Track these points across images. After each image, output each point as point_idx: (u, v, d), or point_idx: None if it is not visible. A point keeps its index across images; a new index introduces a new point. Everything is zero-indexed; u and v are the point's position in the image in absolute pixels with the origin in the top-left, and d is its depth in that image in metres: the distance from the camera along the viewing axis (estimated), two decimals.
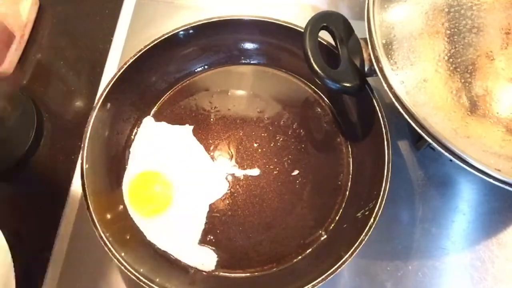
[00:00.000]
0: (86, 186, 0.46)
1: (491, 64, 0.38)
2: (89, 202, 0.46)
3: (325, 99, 0.56)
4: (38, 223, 0.53)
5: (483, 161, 0.36)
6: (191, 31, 0.53)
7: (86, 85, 0.61)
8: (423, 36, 0.40)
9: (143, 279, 0.43)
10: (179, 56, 0.56)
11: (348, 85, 0.44)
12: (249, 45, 0.57)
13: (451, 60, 0.38)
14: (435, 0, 0.40)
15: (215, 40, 0.56)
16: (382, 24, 0.41)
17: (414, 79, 0.39)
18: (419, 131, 0.38)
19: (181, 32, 0.53)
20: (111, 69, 0.60)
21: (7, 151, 0.55)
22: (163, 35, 0.52)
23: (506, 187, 0.36)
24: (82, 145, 0.48)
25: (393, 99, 0.39)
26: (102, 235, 0.44)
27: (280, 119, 0.55)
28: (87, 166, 0.47)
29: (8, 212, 0.54)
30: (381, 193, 0.44)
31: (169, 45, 0.53)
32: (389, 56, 0.40)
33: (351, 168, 0.52)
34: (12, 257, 0.50)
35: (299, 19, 0.51)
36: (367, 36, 0.42)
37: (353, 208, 0.49)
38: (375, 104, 0.47)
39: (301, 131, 0.54)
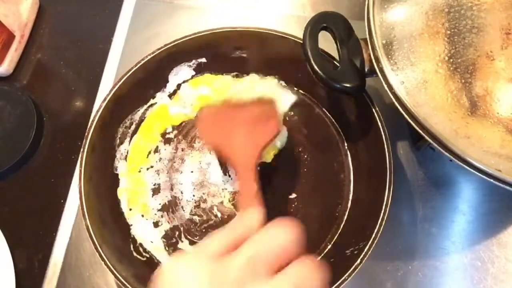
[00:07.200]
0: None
1: (491, 64, 0.38)
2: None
3: (336, 123, 0.55)
4: (38, 223, 0.53)
5: (484, 161, 0.36)
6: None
7: (86, 85, 0.61)
8: (423, 36, 0.40)
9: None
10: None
11: (348, 85, 0.44)
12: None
13: (451, 60, 0.38)
14: (435, 0, 0.40)
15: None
16: (382, 24, 0.41)
17: (414, 80, 0.39)
18: (420, 131, 0.38)
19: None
20: (111, 69, 0.60)
21: (7, 151, 0.55)
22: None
23: (507, 187, 0.36)
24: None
25: (393, 100, 0.39)
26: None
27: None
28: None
29: (8, 212, 0.54)
30: (373, 235, 0.43)
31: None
32: (389, 56, 0.40)
33: (349, 203, 0.51)
34: (12, 257, 0.50)
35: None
36: (367, 36, 0.42)
37: (344, 243, 0.48)
38: (386, 148, 0.47)
39: (306, 155, 0.54)
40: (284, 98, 0.54)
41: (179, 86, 0.57)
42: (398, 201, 0.52)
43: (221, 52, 0.55)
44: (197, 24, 0.54)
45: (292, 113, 0.56)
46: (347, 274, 0.42)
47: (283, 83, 0.56)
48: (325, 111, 0.56)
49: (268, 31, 0.52)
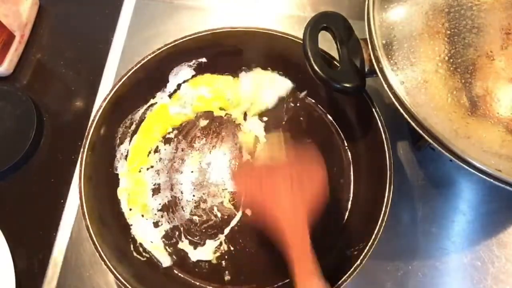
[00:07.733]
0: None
1: (491, 64, 0.38)
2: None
3: (336, 123, 0.55)
4: (38, 223, 0.53)
5: (484, 161, 0.36)
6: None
7: (86, 85, 0.61)
8: (423, 36, 0.40)
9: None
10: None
11: (348, 85, 0.44)
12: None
13: (451, 60, 0.38)
14: (435, 0, 0.40)
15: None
16: (382, 24, 0.41)
17: (414, 80, 0.39)
18: (420, 131, 0.38)
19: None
20: (111, 69, 0.60)
21: (7, 151, 0.55)
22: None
23: (507, 187, 0.36)
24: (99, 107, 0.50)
25: (394, 100, 0.39)
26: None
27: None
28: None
29: (8, 212, 0.54)
30: (373, 235, 0.43)
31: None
32: (389, 56, 0.40)
33: (349, 203, 0.52)
34: (12, 257, 0.50)
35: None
36: (367, 37, 0.42)
37: (344, 244, 0.48)
38: (386, 151, 0.47)
39: None
40: (281, 84, 0.54)
41: (179, 86, 0.57)
42: (398, 201, 0.52)
43: (221, 52, 0.55)
44: (197, 24, 0.54)
45: (292, 113, 0.56)
46: (347, 275, 0.42)
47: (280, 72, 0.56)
48: (325, 111, 0.56)
49: (268, 31, 0.52)
